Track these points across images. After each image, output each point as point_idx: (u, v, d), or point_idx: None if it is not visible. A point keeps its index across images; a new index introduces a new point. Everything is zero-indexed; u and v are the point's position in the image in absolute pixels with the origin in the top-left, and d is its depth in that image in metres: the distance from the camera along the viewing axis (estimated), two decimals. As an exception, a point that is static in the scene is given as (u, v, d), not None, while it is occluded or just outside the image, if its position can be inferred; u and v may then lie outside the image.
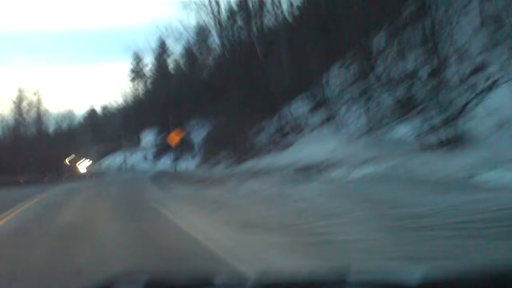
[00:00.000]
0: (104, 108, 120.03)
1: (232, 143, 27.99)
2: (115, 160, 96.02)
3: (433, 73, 13.81)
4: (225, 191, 15.29)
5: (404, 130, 14.18)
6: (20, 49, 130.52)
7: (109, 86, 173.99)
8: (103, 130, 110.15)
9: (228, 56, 40.06)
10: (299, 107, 23.96)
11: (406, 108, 14.85)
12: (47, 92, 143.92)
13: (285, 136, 22.80)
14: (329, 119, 20.65)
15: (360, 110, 18.51)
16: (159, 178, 32.44)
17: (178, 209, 13.01)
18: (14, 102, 63.93)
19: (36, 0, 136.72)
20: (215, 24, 40.93)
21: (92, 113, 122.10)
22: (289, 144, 21.09)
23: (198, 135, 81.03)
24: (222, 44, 42.33)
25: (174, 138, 33.83)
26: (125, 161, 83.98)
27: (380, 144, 13.93)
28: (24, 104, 67.77)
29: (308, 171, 14.04)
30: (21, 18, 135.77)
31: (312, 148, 17.12)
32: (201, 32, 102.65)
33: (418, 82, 14.65)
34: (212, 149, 35.50)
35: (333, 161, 13.85)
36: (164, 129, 72.74)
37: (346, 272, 1.59)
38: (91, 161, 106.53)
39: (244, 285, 1.66)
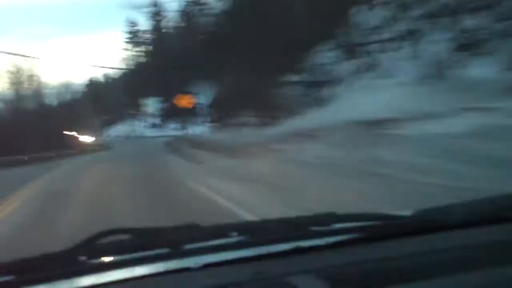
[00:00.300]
0: (105, 76, 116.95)
1: (254, 102, 24.94)
2: (120, 129, 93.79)
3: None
4: (281, 161, 11.97)
5: (481, 70, 11.57)
6: (15, 21, 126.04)
7: (108, 55, 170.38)
8: (105, 100, 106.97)
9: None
10: (326, 56, 21.11)
11: (473, 47, 12.27)
12: (44, 65, 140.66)
13: (319, 90, 20.00)
14: (367, 67, 18.01)
15: (406, 54, 15.90)
16: (176, 145, 29.47)
17: (255, 200, 8.50)
18: (12, 74, 61.11)
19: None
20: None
21: (92, 82, 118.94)
22: (328, 99, 18.43)
23: (205, 97, 78.38)
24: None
25: (182, 100, 31.16)
26: (133, 129, 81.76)
27: (456, 89, 11.32)
28: (23, 76, 64.96)
29: (371, 128, 11.43)
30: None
31: (360, 101, 14.35)
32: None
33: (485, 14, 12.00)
34: (228, 111, 32.57)
35: (403, 114, 11.17)
36: (167, 95, 69.89)
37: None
38: (96, 132, 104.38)
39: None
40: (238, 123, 27.09)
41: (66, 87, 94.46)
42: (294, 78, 22.29)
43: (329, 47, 20.82)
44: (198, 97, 74.08)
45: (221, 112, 41.84)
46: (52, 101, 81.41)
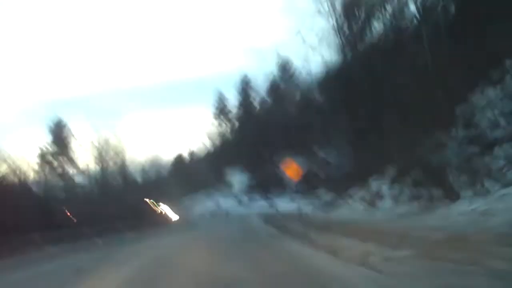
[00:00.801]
0: (191, 154, 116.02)
1: (393, 166, 19.01)
2: (205, 205, 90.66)
3: None
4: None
5: None
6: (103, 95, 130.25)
7: (195, 132, 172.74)
8: (190, 176, 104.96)
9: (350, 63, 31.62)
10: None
11: None
12: (131, 140, 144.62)
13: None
14: None
15: None
16: (279, 224, 23.72)
17: None
18: (98, 150, 60.18)
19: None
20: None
21: (179, 159, 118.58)
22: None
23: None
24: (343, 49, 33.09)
25: (290, 167, 25.32)
26: (218, 205, 77.99)
27: None
28: (109, 152, 64.03)
29: None
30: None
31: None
32: (285, 66, 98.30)
33: None
34: (342, 184, 26.41)
35: None
36: (254, 169, 65.87)
37: None
38: (181, 208, 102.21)
39: None
40: (370, 198, 20.74)
41: (153, 163, 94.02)
42: (449, 140, 16.16)
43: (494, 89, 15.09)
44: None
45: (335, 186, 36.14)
46: (138, 176, 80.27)
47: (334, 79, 33.24)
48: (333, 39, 32.09)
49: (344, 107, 29.46)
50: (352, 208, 22.17)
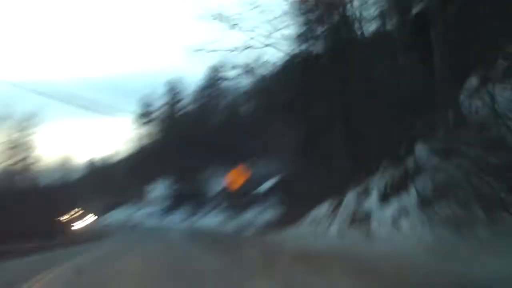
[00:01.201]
0: (106, 159, 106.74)
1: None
2: (119, 215, 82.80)
3: None
4: None
5: None
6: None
7: (114, 136, 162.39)
8: (106, 183, 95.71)
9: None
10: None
11: None
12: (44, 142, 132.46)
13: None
14: None
15: None
16: (220, 251, 16.56)
17: None
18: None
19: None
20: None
21: (93, 163, 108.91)
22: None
23: (218, 183, 68.13)
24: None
25: (236, 178, 19.16)
26: (132, 217, 70.34)
27: None
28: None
29: None
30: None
31: None
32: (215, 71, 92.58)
33: None
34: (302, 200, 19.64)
35: None
36: (177, 179, 59.62)
37: None
38: (90, 218, 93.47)
39: None
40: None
41: (63, 166, 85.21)
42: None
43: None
44: (210, 183, 64.02)
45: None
46: (48, 179, 71.44)
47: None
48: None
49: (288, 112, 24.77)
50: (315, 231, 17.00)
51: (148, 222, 66.87)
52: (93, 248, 25.67)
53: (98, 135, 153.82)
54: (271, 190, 33.37)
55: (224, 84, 68.14)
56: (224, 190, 38.38)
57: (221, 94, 79.19)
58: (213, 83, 77.66)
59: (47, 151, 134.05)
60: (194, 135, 62.51)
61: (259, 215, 31.50)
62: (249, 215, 34.21)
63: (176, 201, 62.33)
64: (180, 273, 11.34)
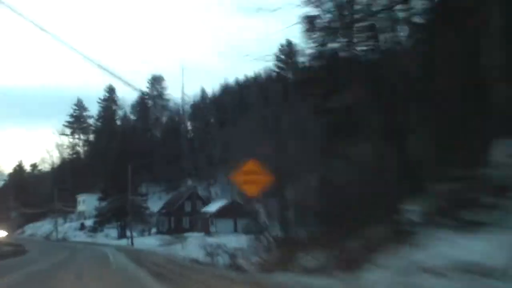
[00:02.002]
0: (34, 167, 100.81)
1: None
2: (42, 227, 77.82)
3: None
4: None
5: None
6: None
7: (43, 144, 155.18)
8: (33, 192, 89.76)
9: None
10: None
11: None
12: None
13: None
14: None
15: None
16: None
17: None
18: None
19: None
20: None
21: (18, 171, 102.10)
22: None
23: (158, 203, 65.27)
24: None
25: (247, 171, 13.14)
26: (55, 229, 65.98)
27: None
28: None
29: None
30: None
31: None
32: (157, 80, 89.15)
33: None
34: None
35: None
36: (109, 193, 56.89)
37: None
38: (11, 228, 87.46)
39: None
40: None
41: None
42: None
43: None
44: (148, 202, 61.29)
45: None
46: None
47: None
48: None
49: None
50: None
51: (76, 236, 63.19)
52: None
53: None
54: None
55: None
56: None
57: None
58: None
59: None
60: (130, 151, 60.03)
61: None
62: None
63: (108, 219, 59.27)
64: None
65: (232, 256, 19.57)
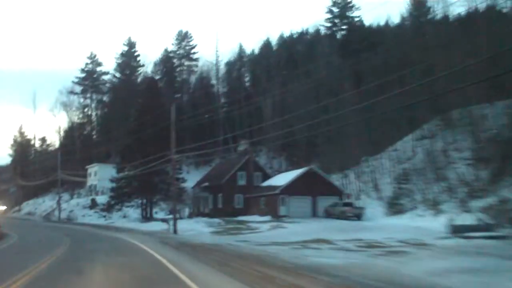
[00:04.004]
0: (43, 141, 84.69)
1: None
2: (43, 204, 62.82)
3: None
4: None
5: None
6: None
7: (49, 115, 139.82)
8: (40, 168, 74.15)
9: None
10: None
11: None
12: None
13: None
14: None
15: None
16: None
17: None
18: None
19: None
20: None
21: (24, 144, 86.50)
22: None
23: (194, 177, 49.69)
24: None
25: None
26: (58, 206, 50.66)
27: None
28: None
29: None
30: None
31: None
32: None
33: None
34: None
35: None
36: (131, 160, 41.01)
37: None
38: (10, 204, 73.54)
39: None
40: None
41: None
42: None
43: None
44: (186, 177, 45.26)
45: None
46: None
47: None
48: None
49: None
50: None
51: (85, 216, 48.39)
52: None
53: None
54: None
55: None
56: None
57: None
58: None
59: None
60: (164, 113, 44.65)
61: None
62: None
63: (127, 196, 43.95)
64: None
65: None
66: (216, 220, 33.03)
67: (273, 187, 35.52)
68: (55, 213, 50.99)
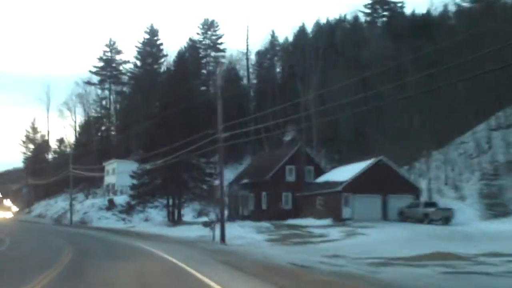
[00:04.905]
0: (60, 142, 78.42)
1: None
2: (55, 205, 56.61)
3: None
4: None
5: None
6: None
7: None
8: (55, 168, 67.89)
9: None
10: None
11: None
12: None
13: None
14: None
15: None
16: None
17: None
18: None
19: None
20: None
21: (42, 145, 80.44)
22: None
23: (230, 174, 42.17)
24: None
25: None
26: (70, 207, 44.06)
27: None
28: None
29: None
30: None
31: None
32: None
33: None
34: None
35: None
36: (156, 149, 34.01)
37: None
38: (23, 206, 68.11)
39: None
40: None
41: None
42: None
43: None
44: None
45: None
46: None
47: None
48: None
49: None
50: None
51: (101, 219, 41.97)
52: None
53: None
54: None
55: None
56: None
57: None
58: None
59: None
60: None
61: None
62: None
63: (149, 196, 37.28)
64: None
65: None
66: (264, 224, 26.20)
67: (333, 184, 28.39)
68: (67, 215, 44.51)
